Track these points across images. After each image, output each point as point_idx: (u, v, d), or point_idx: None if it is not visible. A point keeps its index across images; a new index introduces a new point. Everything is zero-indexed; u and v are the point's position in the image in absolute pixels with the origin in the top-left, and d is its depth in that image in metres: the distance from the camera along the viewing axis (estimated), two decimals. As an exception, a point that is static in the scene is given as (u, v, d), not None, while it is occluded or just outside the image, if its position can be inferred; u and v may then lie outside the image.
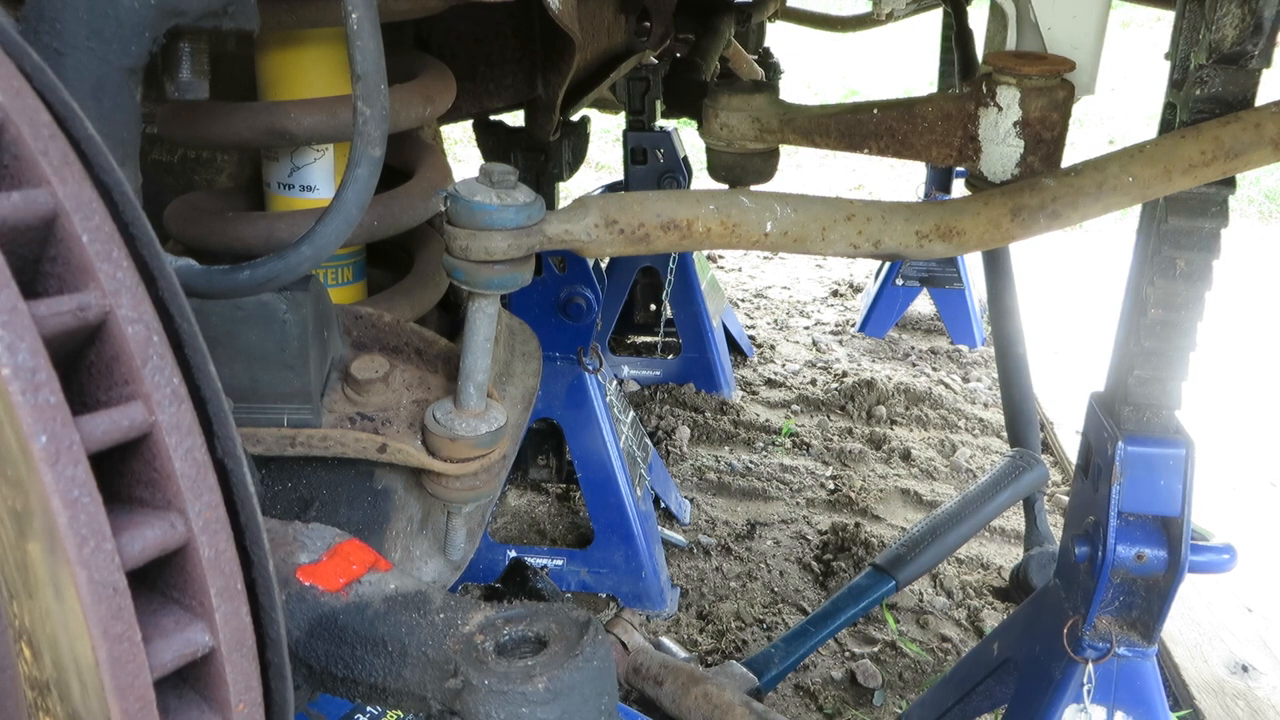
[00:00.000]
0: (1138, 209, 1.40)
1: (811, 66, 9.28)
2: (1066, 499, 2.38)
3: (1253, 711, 2.25)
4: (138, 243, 0.58)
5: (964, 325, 4.22)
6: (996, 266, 2.61)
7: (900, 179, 6.89)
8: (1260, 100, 1.27)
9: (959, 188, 3.87)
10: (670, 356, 3.71)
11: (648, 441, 2.89)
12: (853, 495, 3.10)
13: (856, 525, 2.91)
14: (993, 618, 2.58)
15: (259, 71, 1.34)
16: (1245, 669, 2.38)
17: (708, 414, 3.55)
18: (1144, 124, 7.61)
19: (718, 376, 3.66)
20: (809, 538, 2.91)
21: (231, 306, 1.06)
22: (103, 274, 0.53)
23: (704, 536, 2.89)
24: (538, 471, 2.74)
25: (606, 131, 6.87)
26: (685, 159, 3.39)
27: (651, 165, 3.33)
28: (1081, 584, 1.51)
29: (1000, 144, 1.33)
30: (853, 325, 4.43)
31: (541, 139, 2.25)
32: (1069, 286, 4.82)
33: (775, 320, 4.55)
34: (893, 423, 3.59)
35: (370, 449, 1.14)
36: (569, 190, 4.81)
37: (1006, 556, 2.84)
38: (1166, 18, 1.48)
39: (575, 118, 2.50)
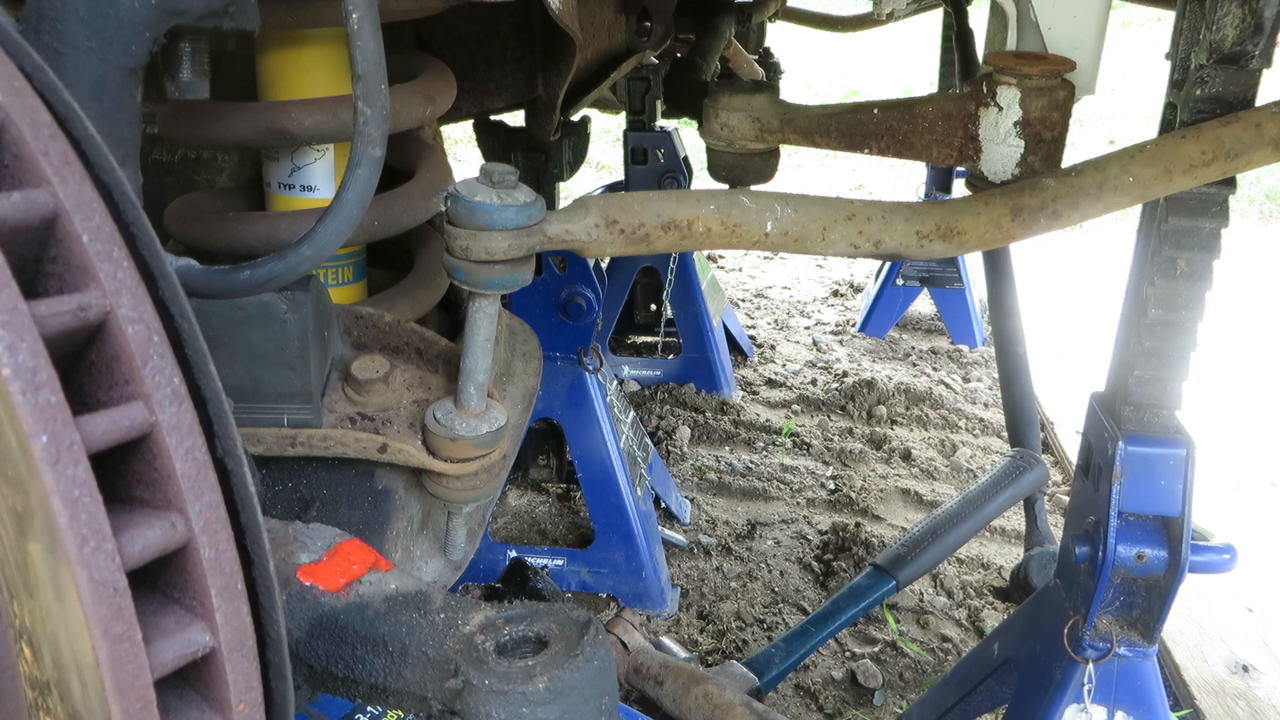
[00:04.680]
0: (1138, 209, 1.40)
1: (811, 66, 9.28)
2: (1067, 499, 2.38)
3: (1253, 711, 2.25)
4: (138, 243, 0.58)
5: (964, 325, 4.22)
6: (997, 266, 2.61)
7: (900, 179, 6.89)
8: (1260, 100, 1.27)
9: (959, 188, 3.87)
10: (670, 356, 3.71)
11: (648, 441, 2.89)
12: (853, 495, 3.10)
13: (857, 525, 2.91)
14: (993, 618, 2.58)
15: (259, 71, 1.34)
16: (1246, 669, 2.38)
17: (708, 414, 3.55)
18: (1144, 124, 7.61)
19: (718, 376, 3.66)
20: (809, 538, 2.91)
21: (232, 306, 1.06)
22: (103, 274, 0.53)
23: (704, 536, 2.89)
24: (538, 471, 2.73)
25: (607, 131, 6.87)
26: (685, 159, 3.39)
27: (652, 165, 3.33)
28: (1082, 584, 1.51)
29: (1000, 144, 1.33)
30: (853, 325, 4.43)
31: (542, 139, 2.25)
32: (1069, 286, 4.82)
33: (775, 320, 4.55)
34: (893, 423, 3.59)
35: (371, 449, 1.14)
36: (569, 190, 4.81)
37: (1007, 556, 2.84)
38: (1166, 18, 1.48)
39: (576, 118, 2.50)
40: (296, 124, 1.25)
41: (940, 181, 4.10)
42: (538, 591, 1.82)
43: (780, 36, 5.22)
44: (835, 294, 4.88)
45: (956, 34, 2.74)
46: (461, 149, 6.72)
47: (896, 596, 2.54)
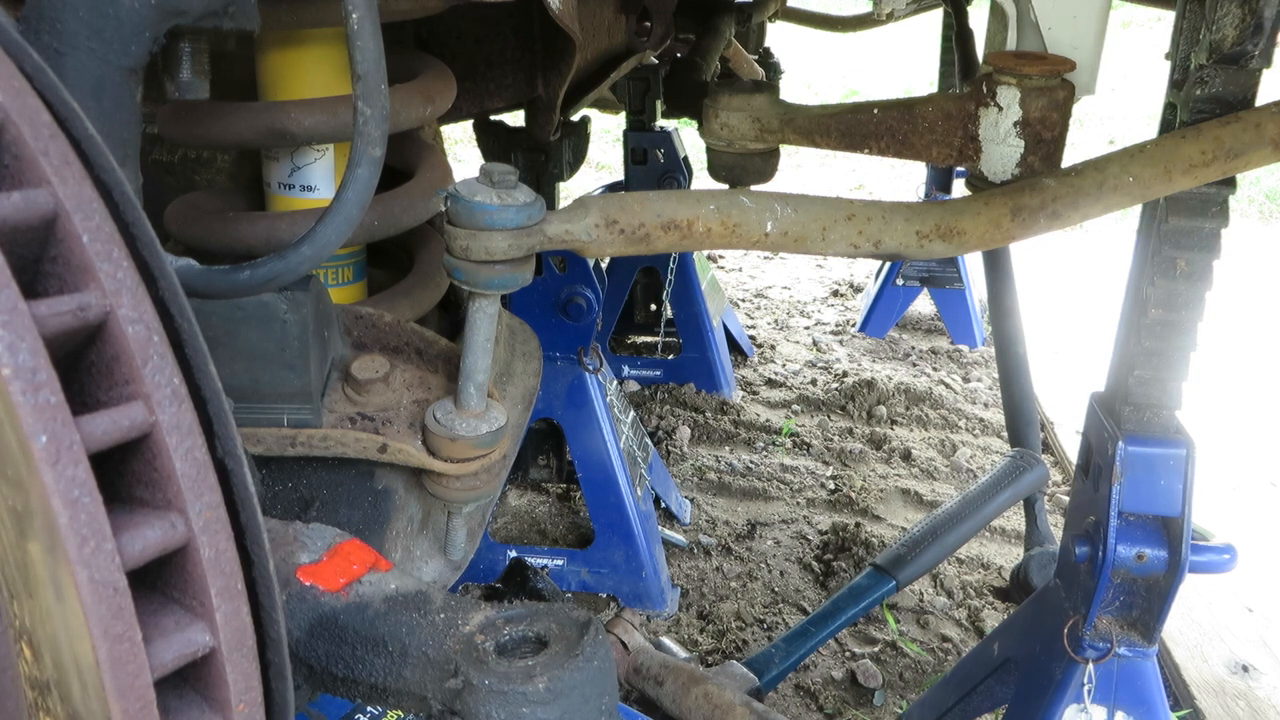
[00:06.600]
0: (1138, 209, 1.40)
1: (811, 66, 9.28)
2: (1067, 499, 2.38)
3: (1253, 711, 2.25)
4: (138, 243, 0.58)
5: (964, 325, 4.22)
6: (997, 266, 2.61)
7: (900, 179, 6.89)
8: (1260, 100, 1.27)
9: (959, 188, 3.87)
10: (670, 356, 3.71)
11: (648, 441, 2.89)
12: (853, 495, 3.10)
13: (857, 525, 2.91)
14: (993, 618, 2.58)
15: (259, 71, 1.34)
16: (1245, 669, 2.38)
17: (708, 414, 3.55)
18: (1144, 124, 7.61)
19: (718, 376, 3.66)
20: (809, 538, 2.91)
21: (232, 306, 1.06)
22: (103, 274, 0.53)
23: (704, 536, 2.89)
24: (538, 471, 2.73)
25: (607, 131, 6.87)
26: (685, 159, 3.39)
27: (652, 165, 3.33)
28: (1082, 584, 1.51)
29: (1000, 144, 1.33)
30: (853, 325, 4.43)
31: (542, 139, 2.25)
32: (1069, 286, 4.82)
33: (775, 320, 4.54)
34: (893, 423, 3.59)
35: (371, 449, 1.14)
36: (569, 190, 4.81)
37: (1007, 556, 2.84)
38: (1166, 18, 1.48)
39: (576, 118, 2.50)
40: (296, 124, 1.25)
41: (940, 181, 4.10)
42: (538, 591, 1.82)
43: (780, 36, 5.22)
44: (835, 294, 4.88)
45: (956, 34, 2.74)
46: (461, 149, 6.72)
47: (896, 596, 2.54)
